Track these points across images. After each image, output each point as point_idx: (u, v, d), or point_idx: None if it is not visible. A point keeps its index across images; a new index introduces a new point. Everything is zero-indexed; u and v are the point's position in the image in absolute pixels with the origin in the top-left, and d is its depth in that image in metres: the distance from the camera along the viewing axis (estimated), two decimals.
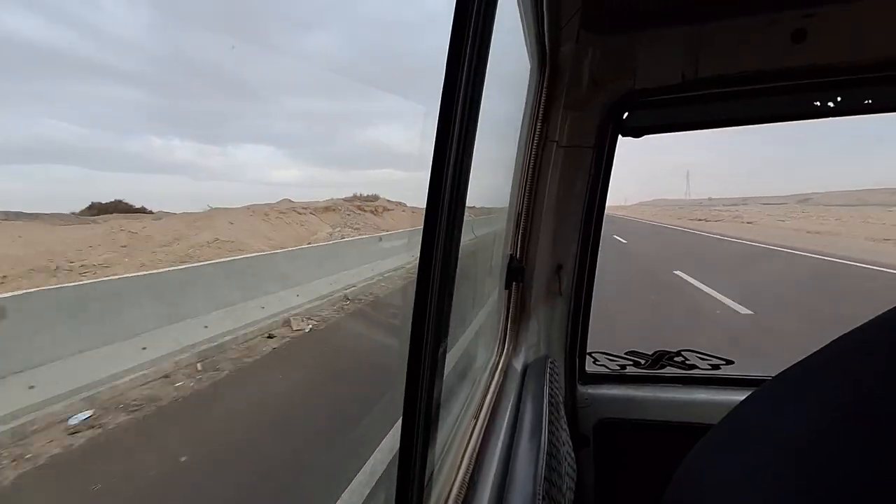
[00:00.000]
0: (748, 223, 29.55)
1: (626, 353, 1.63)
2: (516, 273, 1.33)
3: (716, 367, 1.56)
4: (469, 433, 0.93)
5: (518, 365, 1.33)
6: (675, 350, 1.62)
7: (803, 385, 0.51)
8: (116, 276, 4.80)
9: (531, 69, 1.16)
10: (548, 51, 1.13)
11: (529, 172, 1.27)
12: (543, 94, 1.20)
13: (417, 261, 0.57)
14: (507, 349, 1.35)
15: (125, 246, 10.37)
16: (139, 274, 5.32)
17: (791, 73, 1.18)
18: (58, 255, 8.71)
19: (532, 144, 1.25)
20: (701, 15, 1.17)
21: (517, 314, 1.41)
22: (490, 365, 1.25)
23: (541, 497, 0.78)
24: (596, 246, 1.46)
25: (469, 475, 0.82)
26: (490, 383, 1.15)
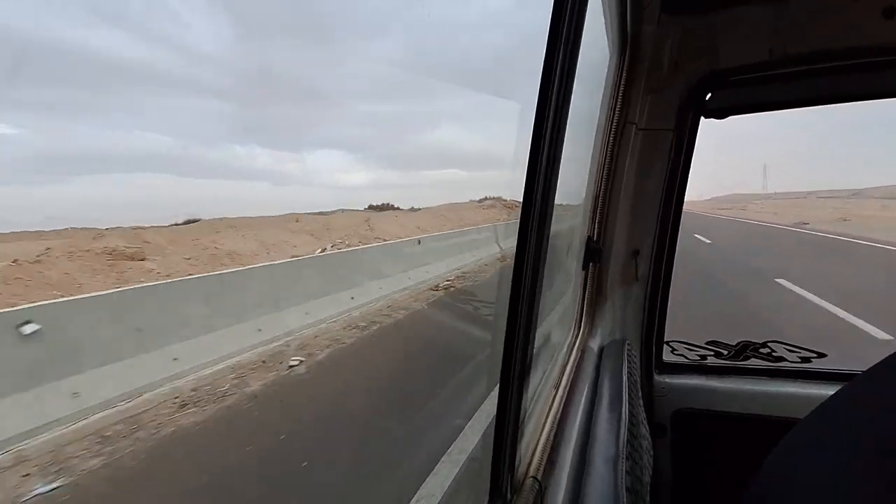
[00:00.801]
0: None
1: (706, 343, 1.59)
2: (594, 254, 1.35)
3: (806, 359, 1.48)
4: (551, 399, 0.97)
5: (594, 345, 1.35)
6: (760, 341, 1.56)
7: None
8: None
9: (611, 53, 1.18)
10: (629, 34, 1.15)
11: (608, 155, 1.29)
12: (623, 78, 1.22)
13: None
14: (584, 329, 1.37)
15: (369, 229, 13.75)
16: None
17: (882, 50, 1.13)
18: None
19: (611, 127, 1.27)
20: None
21: (594, 296, 1.43)
22: (567, 341, 1.28)
23: (624, 457, 0.81)
24: (675, 232, 1.45)
25: (554, 431, 0.87)
26: (567, 360, 1.18)
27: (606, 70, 1.19)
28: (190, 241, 10.05)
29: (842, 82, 1.24)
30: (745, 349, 1.55)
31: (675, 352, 1.60)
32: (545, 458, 0.82)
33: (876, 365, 0.56)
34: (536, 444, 0.83)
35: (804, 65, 1.21)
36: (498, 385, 0.67)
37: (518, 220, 0.61)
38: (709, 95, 1.32)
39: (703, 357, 1.57)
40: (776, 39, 1.18)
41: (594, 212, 1.35)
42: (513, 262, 0.63)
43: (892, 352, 0.52)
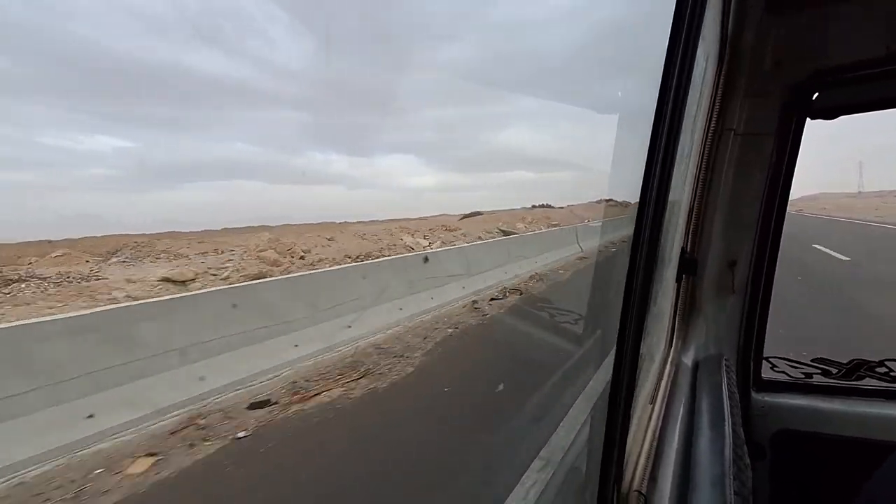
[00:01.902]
0: None
1: (813, 361, 1.48)
2: (688, 266, 1.31)
3: None
4: (648, 415, 0.96)
5: (688, 360, 1.30)
6: (876, 360, 1.42)
7: None
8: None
9: (708, 58, 1.14)
10: (728, 37, 1.11)
11: (703, 163, 1.25)
12: (721, 83, 1.18)
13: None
14: (676, 344, 1.33)
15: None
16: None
17: None
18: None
19: (707, 134, 1.22)
20: None
21: (686, 309, 1.38)
22: (660, 357, 1.25)
23: (731, 478, 0.78)
24: (777, 241, 1.36)
25: (654, 449, 0.85)
26: (662, 374, 1.15)
27: (703, 76, 1.15)
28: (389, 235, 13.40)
29: None
30: (858, 368, 1.43)
31: (776, 368, 1.50)
32: (647, 474, 0.81)
33: None
34: (638, 459, 0.82)
35: None
36: (608, 394, 0.68)
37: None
38: (815, 95, 1.24)
39: (809, 375, 1.46)
40: (893, 33, 1.09)
41: (688, 222, 1.30)
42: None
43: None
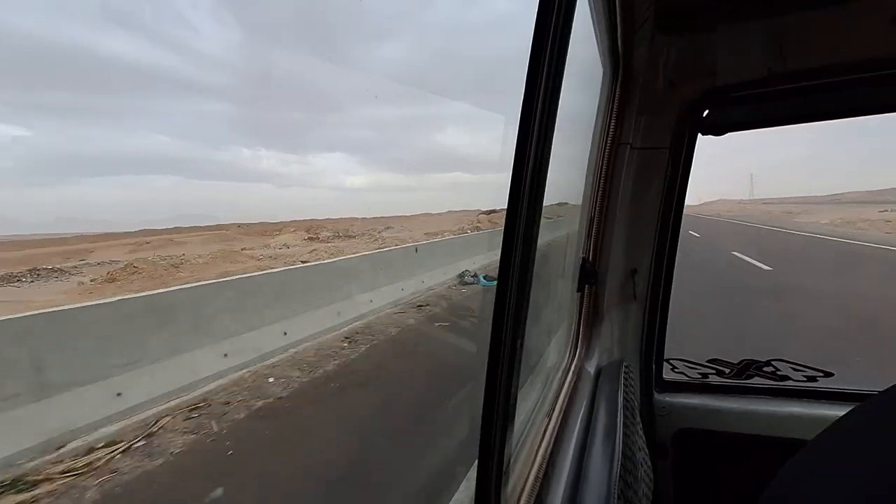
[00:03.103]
0: None
1: (708, 361, 1.56)
2: (589, 276, 1.33)
3: (812, 378, 1.45)
4: (542, 430, 0.95)
5: (591, 368, 1.33)
6: (764, 360, 1.53)
7: None
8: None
9: (604, 73, 1.16)
10: (621, 55, 1.14)
11: (602, 176, 1.27)
12: (617, 98, 1.20)
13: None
14: (580, 352, 1.35)
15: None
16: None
17: (890, 62, 1.09)
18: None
19: (605, 148, 1.25)
20: (786, 5, 1.11)
21: (590, 317, 1.41)
22: (563, 366, 1.26)
23: (615, 496, 0.79)
24: (674, 249, 1.42)
25: (543, 470, 0.85)
26: (563, 384, 1.16)
27: (600, 91, 1.17)
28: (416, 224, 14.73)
29: (845, 97, 1.21)
30: (747, 367, 1.52)
31: (676, 370, 1.57)
32: (534, 499, 0.80)
33: (894, 386, 0.54)
34: (525, 484, 0.81)
35: (805, 80, 1.18)
36: (480, 423, 0.65)
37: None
38: (706, 112, 1.30)
39: (705, 375, 1.54)
40: (775, 55, 1.16)
41: (589, 233, 1.33)
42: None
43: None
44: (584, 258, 1.34)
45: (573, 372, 1.25)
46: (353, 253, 10.40)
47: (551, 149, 0.63)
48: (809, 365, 1.48)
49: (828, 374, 1.45)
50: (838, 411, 1.34)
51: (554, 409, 1.04)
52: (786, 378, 1.47)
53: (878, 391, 0.56)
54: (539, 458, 0.87)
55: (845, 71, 1.14)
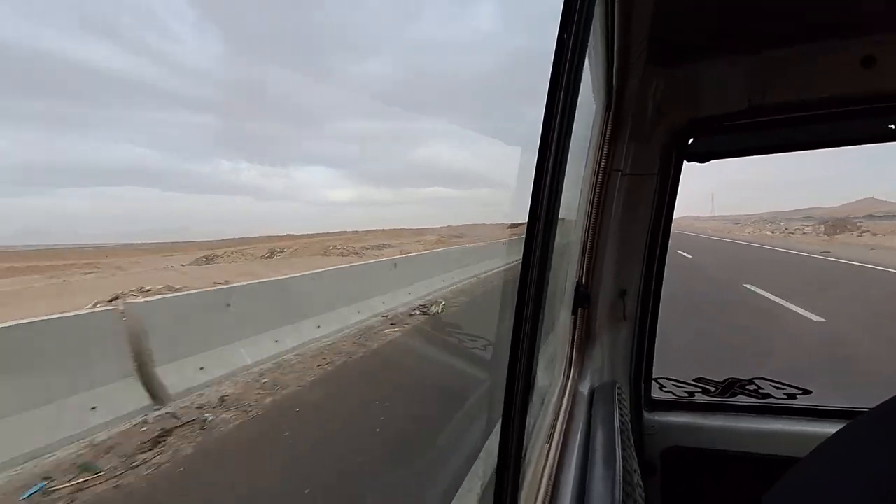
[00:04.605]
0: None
1: (694, 380, 1.60)
2: (583, 299, 1.36)
3: (791, 396, 1.50)
4: (545, 456, 0.96)
5: (584, 389, 1.35)
6: (747, 378, 1.57)
7: None
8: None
9: (596, 104, 1.21)
10: (614, 87, 1.18)
11: (595, 201, 1.31)
12: (609, 127, 1.25)
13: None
14: (574, 373, 1.37)
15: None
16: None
17: (860, 99, 1.18)
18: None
19: (598, 175, 1.29)
20: (767, 43, 1.19)
21: (583, 339, 1.43)
22: (558, 389, 1.27)
23: None
24: (661, 270, 1.47)
25: (549, 493, 0.85)
26: (560, 407, 1.17)
27: (592, 121, 1.21)
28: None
29: (820, 130, 1.29)
30: (731, 386, 1.57)
31: (664, 388, 1.61)
32: None
33: (882, 405, 0.56)
34: None
35: (783, 113, 1.25)
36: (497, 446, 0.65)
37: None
38: (691, 140, 1.36)
39: (691, 394, 1.58)
40: (755, 89, 1.23)
41: (582, 257, 1.36)
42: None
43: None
44: (577, 281, 1.37)
45: (568, 395, 1.26)
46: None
47: (565, 174, 0.65)
48: (789, 383, 1.53)
49: (806, 392, 1.51)
50: (818, 428, 1.39)
51: (554, 433, 1.04)
52: (768, 396, 1.52)
53: (857, 408, 0.58)
54: (545, 481, 0.87)
55: (820, 105, 1.21)
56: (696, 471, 1.49)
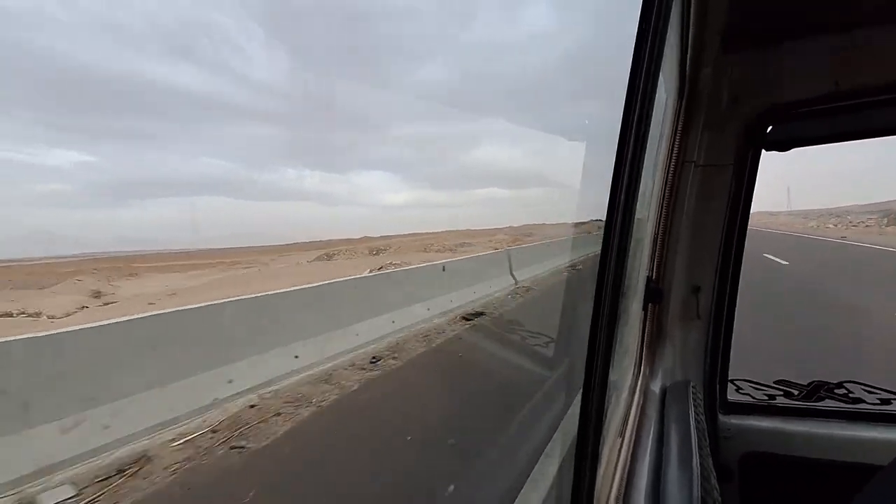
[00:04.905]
0: None
1: (775, 382, 1.51)
2: (653, 295, 1.33)
3: (886, 401, 1.39)
4: (617, 450, 0.96)
5: (656, 388, 1.32)
6: (835, 381, 1.47)
7: None
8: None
9: (668, 94, 1.18)
10: (687, 76, 1.15)
11: (666, 194, 1.28)
12: (681, 118, 1.21)
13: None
14: (644, 371, 1.34)
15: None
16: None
17: None
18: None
19: (669, 167, 1.26)
20: (854, 21, 1.11)
21: (653, 336, 1.40)
22: (628, 385, 1.26)
23: None
24: (738, 266, 1.40)
25: (623, 489, 0.85)
26: (631, 403, 1.16)
27: (664, 112, 1.18)
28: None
29: None
30: (817, 389, 1.47)
31: (741, 391, 1.53)
32: None
33: None
34: (608, 499, 0.81)
35: (871, 96, 1.16)
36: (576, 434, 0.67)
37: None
38: (769, 128, 1.29)
39: (772, 397, 1.50)
40: (841, 71, 1.15)
41: (653, 252, 1.33)
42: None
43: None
44: (648, 277, 1.34)
45: (639, 391, 1.24)
46: None
47: (641, 174, 0.65)
48: (883, 387, 1.42)
49: None
50: None
51: (625, 429, 1.04)
52: (859, 401, 1.42)
53: None
54: (618, 475, 0.87)
55: None
56: (779, 478, 1.41)
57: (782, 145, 1.31)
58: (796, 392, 1.47)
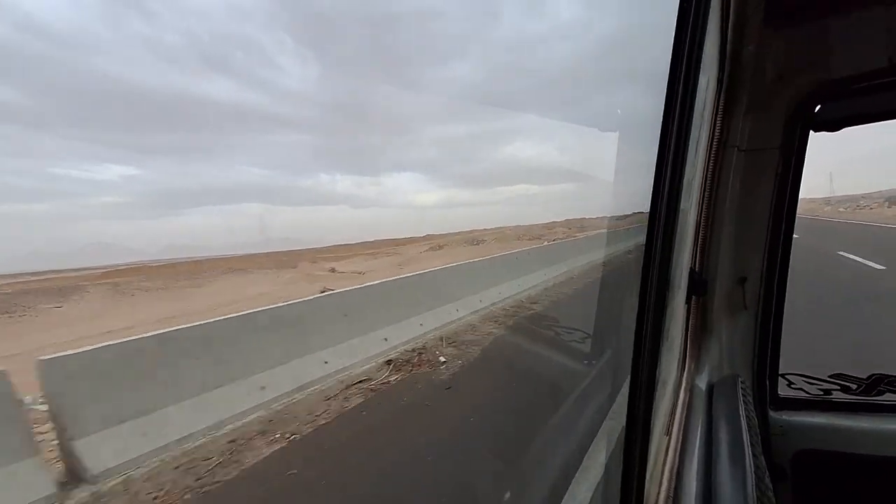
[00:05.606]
0: None
1: (830, 377, 1.43)
2: (697, 286, 1.27)
3: None
4: (664, 448, 0.92)
5: (702, 383, 1.26)
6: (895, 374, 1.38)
7: None
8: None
9: (708, 76, 1.12)
10: (728, 53, 1.09)
11: (708, 181, 1.22)
12: (722, 100, 1.15)
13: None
14: (690, 366, 1.29)
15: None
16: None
17: None
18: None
19: (710, 152, 1.20)
20: None
21: (698, 329, 1.34)
22: (672, 381, 1.21)
23: None
24: (786, 255, 1.33)
25: (673, 488, 0.82)
26: (676, 400, 1.11)
27: (705, 95, 1.13)
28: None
29: None
30: (878, 383, 1.38)
31: (793, 385, 1.45)
32: None
33: None
34: (657, 499, 0.78)
35: None
36: (623, 431, 0.64)
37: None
38: (818, 108, 1.22)
39: (827, 392, 1.41)
40: (895, 43, 1.07)
41: (696, 241, 1.27)
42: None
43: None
44: (691, 268, 1.28)
45: (685, 387, 1.19)
46: None
47: (686, 160, 0.62)
48: None
49: None
50: None
51: (672, 426, 1.00)
52: None
53: None
54: (667, 473, 0.84)
55: None
56: (836, 477, 1.33)
57: (833, 125, 1.23)
58: (854, 386, 1.39)
